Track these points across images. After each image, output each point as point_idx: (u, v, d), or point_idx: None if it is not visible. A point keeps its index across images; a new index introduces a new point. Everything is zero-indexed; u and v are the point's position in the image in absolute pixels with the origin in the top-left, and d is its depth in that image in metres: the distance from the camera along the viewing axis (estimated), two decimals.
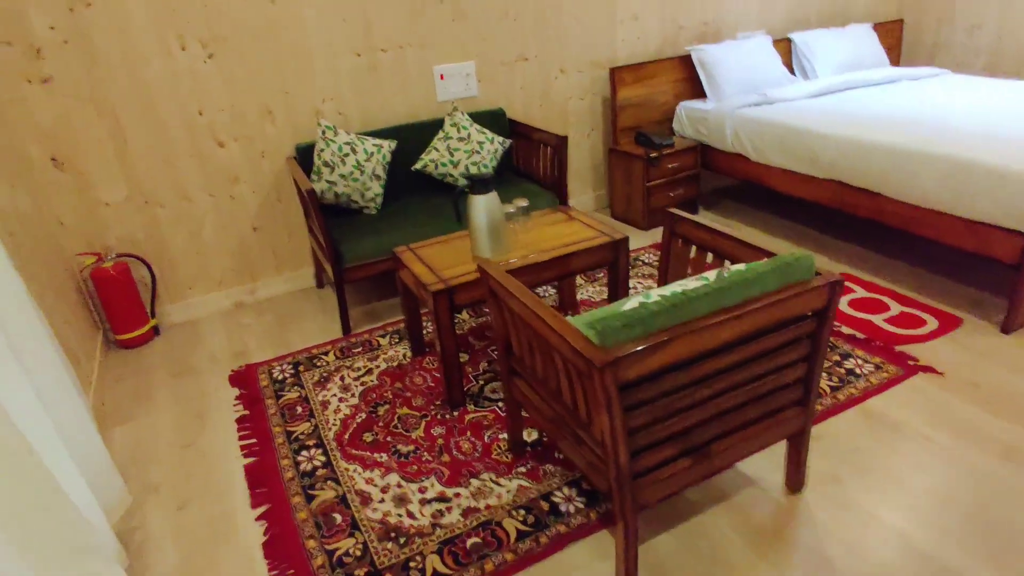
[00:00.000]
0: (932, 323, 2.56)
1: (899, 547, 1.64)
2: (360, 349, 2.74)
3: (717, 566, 1.65)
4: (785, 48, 4.16)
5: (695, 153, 3.68)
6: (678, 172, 3.66)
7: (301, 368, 2.65)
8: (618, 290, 2.48)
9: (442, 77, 3.30)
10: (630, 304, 1.52)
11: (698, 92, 3.96)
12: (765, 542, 1.70)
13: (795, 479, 1.83)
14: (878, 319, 2.62)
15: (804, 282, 1.54)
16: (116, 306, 2.89)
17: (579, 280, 3.20)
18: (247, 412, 2.41)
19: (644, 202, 3.62)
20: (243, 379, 2.63)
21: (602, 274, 3.23)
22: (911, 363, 2.33)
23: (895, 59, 4.64)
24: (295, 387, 2.52)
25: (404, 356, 2.66)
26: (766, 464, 1.95)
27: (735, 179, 4.34)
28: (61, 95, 2.63)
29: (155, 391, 2.63)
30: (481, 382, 2.44)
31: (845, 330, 2.57)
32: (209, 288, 3.19)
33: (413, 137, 3.21)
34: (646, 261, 3.31)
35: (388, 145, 3.04)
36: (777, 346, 1.56)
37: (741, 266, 1.56)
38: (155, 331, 3.07)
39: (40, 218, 2.67)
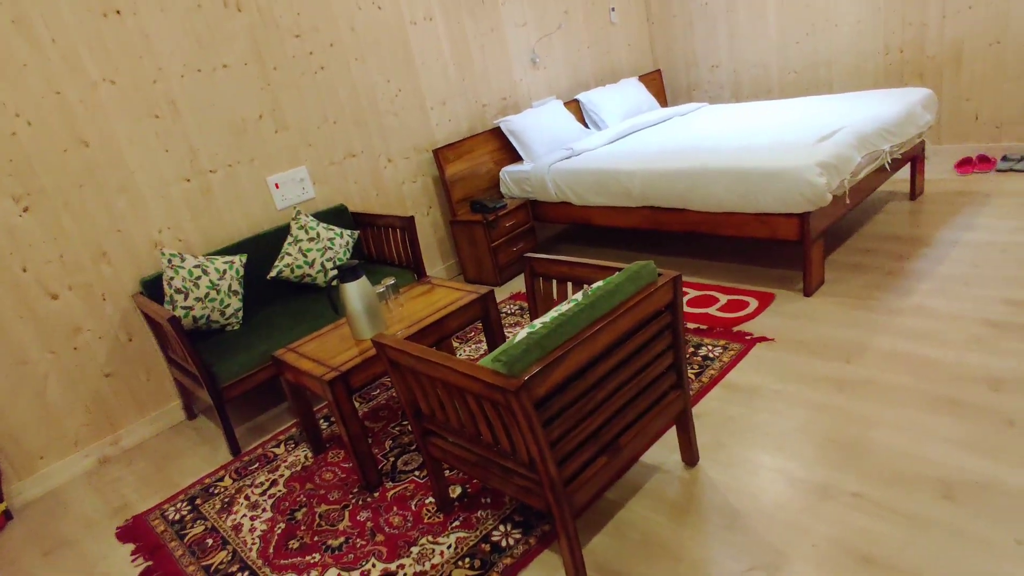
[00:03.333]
0: (753, 303, 3.05)
1: (784, 481, 1.95)
2: (256, 465, 2.66)
3: (651, 546, 1.84)
4: (575, 107, 4.78)
5: (526, 209, 4.07)
6: (515, 228, 4.01)
7: (198, 501, 2.51)
8: (495, 339, 2.68)
9: (277, 186, 3.40)
10: (519, 336, 1.72)
11: (514, 157, 4.40)
12: (682, 513, 1.93)
13: (689, 454, 2.10)
14: (712, 310, 3.07)
15: (652, 283, 1.84)
16: None
17: (455, 344, 3.36)
18: (150, 562, 2.24)
19: (492, 261, 3.90)
20: (133, 532, 2.43)
21: (473, 333, 3.42)
22: (748, 338, 2.77)
23: (663, 102, 5.48)
24: (198, 521, 2.39)
25: (306, 458, 2.62)
26: (662, 451, 2.21)
27: (565, 224, 4.80)
28: None
29: None
30: (391, 459, 2.49)
31: (691, 325, 2.97)
32: (64, 451, 2.91)
33: (262, 247, 3.24)
34: (509, 312, 3.56)
35: (239, 260, 3.05)
36: (646, 341, 1.83)
37: (601, 282, 1.83)
38: (6, 516, 2.73)
39: None
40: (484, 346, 3.23)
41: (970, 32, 4.01)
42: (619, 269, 1.99)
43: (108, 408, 3.00)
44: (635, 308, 1.75)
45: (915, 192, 3.81)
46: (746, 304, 3.06)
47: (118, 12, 2.84)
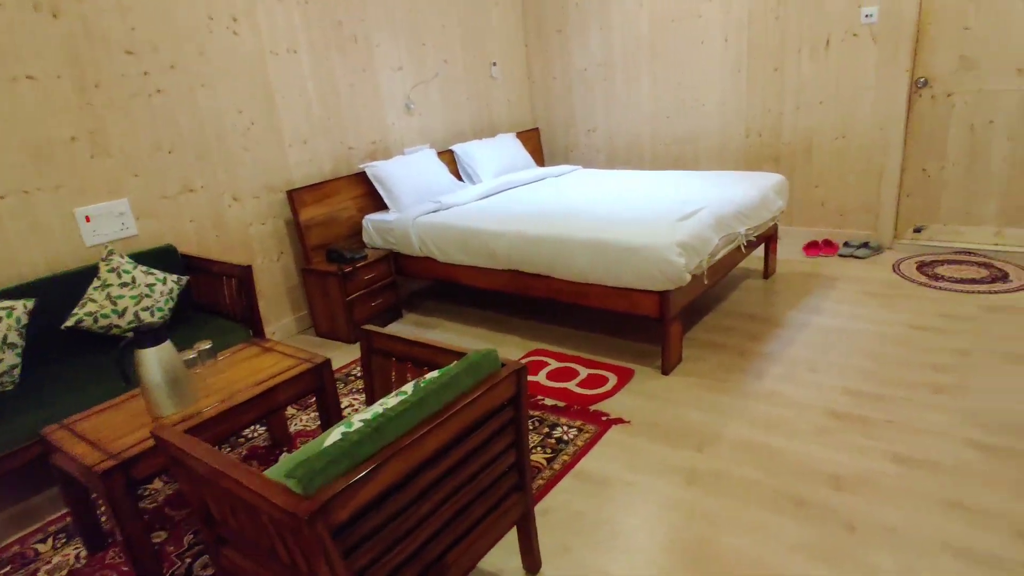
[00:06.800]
0: (612, 379, 2.95)
1: None
2: (8, 568, 2.13)
3: None
4: (450, 158, 4.62)
5: (388, 262, 3.80)
6: (375, 282, 3.73)
7: None
8: (330, 416, 2.37)
9: (88, 219, 2.91)
10: (332, 437, 1.44)
11: (380, 205, 4.14)
12: None
13: (531, 560, 1.89)
14: (571, 385, 2.93)
15: (494, 375, 1.64)
16: None
17: (291, 409, 2.99)
18: None
19: (347, 316, 3.58)
20: None
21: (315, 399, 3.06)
22: (604, 419, 2.64)
23: (540, 160, 5.47)
24: None
25: (78, 558, 2.14)
26: (503, 554, 1.98)
27: (429, 280, 4.59)
28: None
29: None
30: (188, 559, 2.07)
31: (548, 401, 2.81)
32: None
33: (59, 291, 2.73)
34: (358, 375, 3.25)
35: (23, 305, 2.53)
36: (484, 441, 1.62)
37: (435, 373, 1.60)
38: None
39: None
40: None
41: (819, 125, 4.30)
42: (461, 354, 1.78)
43: None
44: (472, 405, 1.54)
45: (768, 272, 3.96)
46: (605, 380, 2.95)
47: None
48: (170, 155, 3.17)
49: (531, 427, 2.63)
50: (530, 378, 3.04)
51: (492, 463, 1.66)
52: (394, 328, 3.81)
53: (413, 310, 4.08)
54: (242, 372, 2.29)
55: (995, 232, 4.02)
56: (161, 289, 2.87)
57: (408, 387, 1.59)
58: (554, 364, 3.16)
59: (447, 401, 1.52)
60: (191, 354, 2.20)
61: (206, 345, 2.23)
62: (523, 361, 1.68)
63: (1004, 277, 3.63)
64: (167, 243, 3.18)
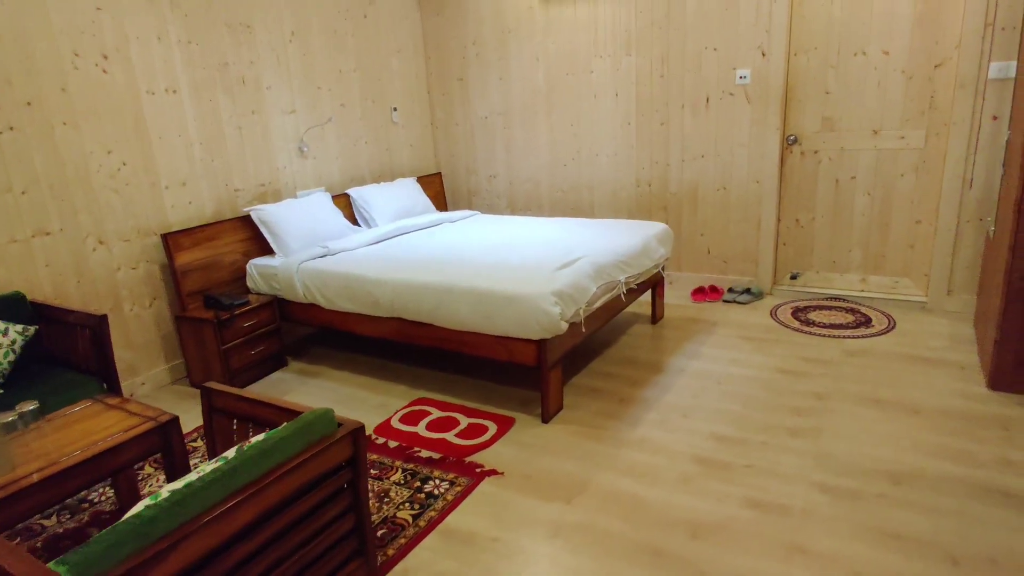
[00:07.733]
0: (492, 428, 2.91)
1: None
2: None
3: None
4: (346, 202, 4.56)
5: (272, 308, 3.67)
6: (256, 329, 3.58)
7: None
8: (177, 477, 2.21)
9: None
10: (134, 511, 1.34)
11: (268, 249, 4.01)
12: None
13: None
14: (450, 435, 2.88)
15: (327, 437, 1.57)
16: None
17: (149, 468, 2.79)
18: None
19: (223, 365, 3.41)
20: None
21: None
22: (478, 471, 2.59)
23: (442, 204, 5.48)
24: None
25: None
26: None
27: (314, 327, 4.46)
28: None
29: None
30: None
31: (424, 453, 2.74)
32: None
33: None
34: None
35: None
36: (314, 507, 1.54)
37: (261, 436, 1.52)
38: None
39: None
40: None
41: (702, 177, 4.52)
42: (299, 414, 1.71)
43: None
44: (296, 471, 1.46)
45: (656, 317, 4.07)
46: (485, 429, 2.91)
47: None
48: (23, 196, 2.97)
49: (402, 481, 2.55)
50: (409, 429, 2.96)
51: (326, 529, 1.58)
52: (277, 376, 3.66)
53: (300, 357, 3.94)
54: (74, 434, 2.11)
55: (860, 279, 4.30)
56: (1, 341, 2.64)
57: (231, 452, 1.50)
58: (436, 414, 3.10)
59: (269, 467, 1.44)
60: (10, 416, 2.01)
61: (30, 406, 2.05)
62: (359, 423, 1.63)
63: (867, 322, 3.87)
64: (14, 290, 2.94)
